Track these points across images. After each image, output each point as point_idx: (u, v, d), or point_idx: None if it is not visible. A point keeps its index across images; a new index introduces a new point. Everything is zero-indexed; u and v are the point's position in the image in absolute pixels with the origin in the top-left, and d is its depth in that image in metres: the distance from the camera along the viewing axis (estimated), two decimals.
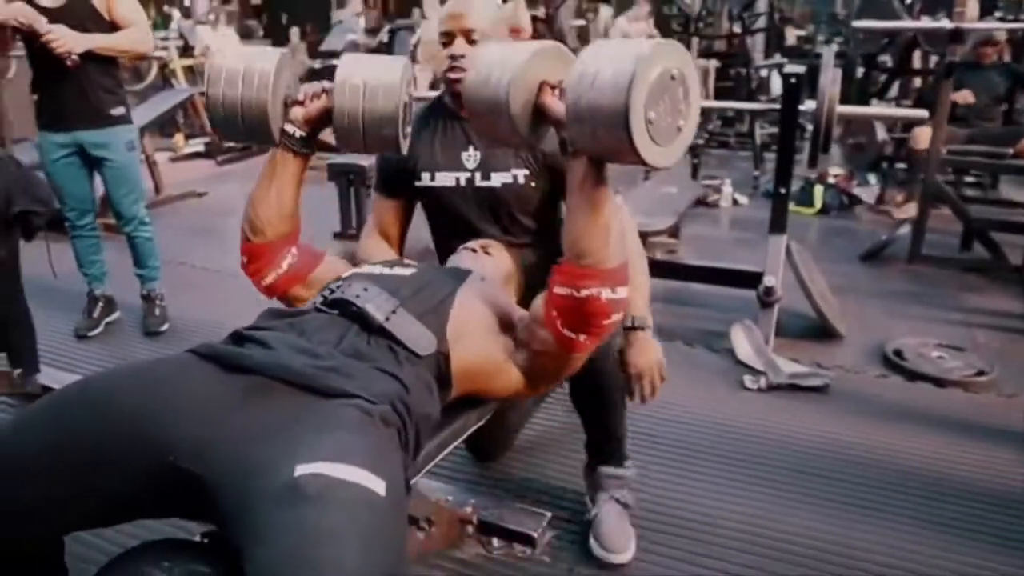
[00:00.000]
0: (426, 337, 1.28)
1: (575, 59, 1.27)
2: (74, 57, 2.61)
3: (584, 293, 1.24)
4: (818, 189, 4.93)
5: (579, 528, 1.83)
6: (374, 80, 1.40)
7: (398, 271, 1.47)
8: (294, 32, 12.36)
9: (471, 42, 1.68)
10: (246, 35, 10.88)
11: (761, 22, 6.19)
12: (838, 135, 5.48)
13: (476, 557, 1.75)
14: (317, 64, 10.59)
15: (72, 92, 2.73)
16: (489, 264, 1.64)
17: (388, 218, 1.88)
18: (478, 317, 1.38)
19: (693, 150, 5.50)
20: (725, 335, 2.87)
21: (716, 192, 5.11)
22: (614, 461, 1.80)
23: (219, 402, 1.07)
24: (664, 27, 7.36)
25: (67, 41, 2.58)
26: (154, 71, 7.20)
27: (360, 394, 1.09)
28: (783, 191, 2.86)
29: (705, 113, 6.31)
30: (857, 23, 4.53)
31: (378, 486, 0.93)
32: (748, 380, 2.61)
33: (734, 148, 6.52)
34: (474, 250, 1.67)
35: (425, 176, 1.79)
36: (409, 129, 1.51)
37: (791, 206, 4.82)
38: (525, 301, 1.60)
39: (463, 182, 1.76)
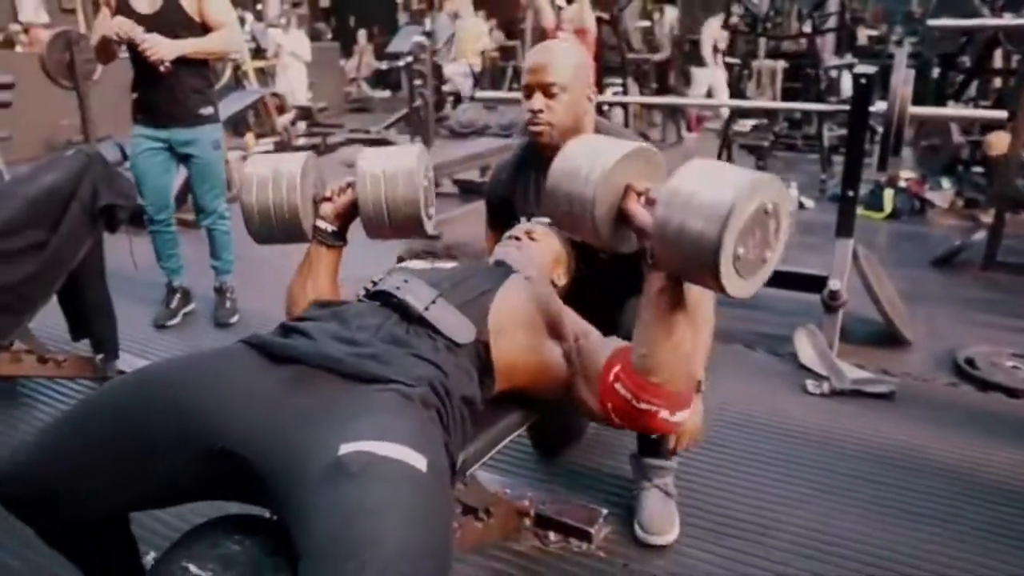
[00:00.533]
0: (465, 326, 1.30)
1: (662, 165, 1.27)
2: (167, 64, 2.76)
3: (642, 406, 1.22)
4: (888, 193, 4.79)
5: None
6: (392, 169, 1.46)
7: (439, 265, 1.51)
8: (361, 34, 12.64)
9: (550, 96, 1.71)
10: (315, 37, 11.15)
11: (831, 22, 6.04)
12: (911, 137, 5.33)
13: (532, 550, 1.78)
14: (384, 65, 10.82)
15: (164, 93, 2.88)
16: (535, 249, 1.64)
17: None
18: (520, 314, 1.38)
19: (758, 152, 5.43)
20: (788, 339, 2.83)
21: None
22: (661, 455, 1.83)
23: (266, 391, 1.12)
24: (731, 27, 7.25)
25: (160, 49, 2.73)
26: (228, 72, 7.44)
27: (398, 379, 1.13)
28: (851, 193, 2.79)
29: (772, 114, 6.20)
30: (933, 21, 4.37)
31: (419, 462, 0.96)
32: (811, 384, 2.56)
33: (801, 151, 6.39)
34: (518, 238, 1.67)
35: (522, 220, 1.86)
36: (432, 210, 1.56)
37: (860, 210, 4.72)
38: (577, 287, 1.65)
39: None
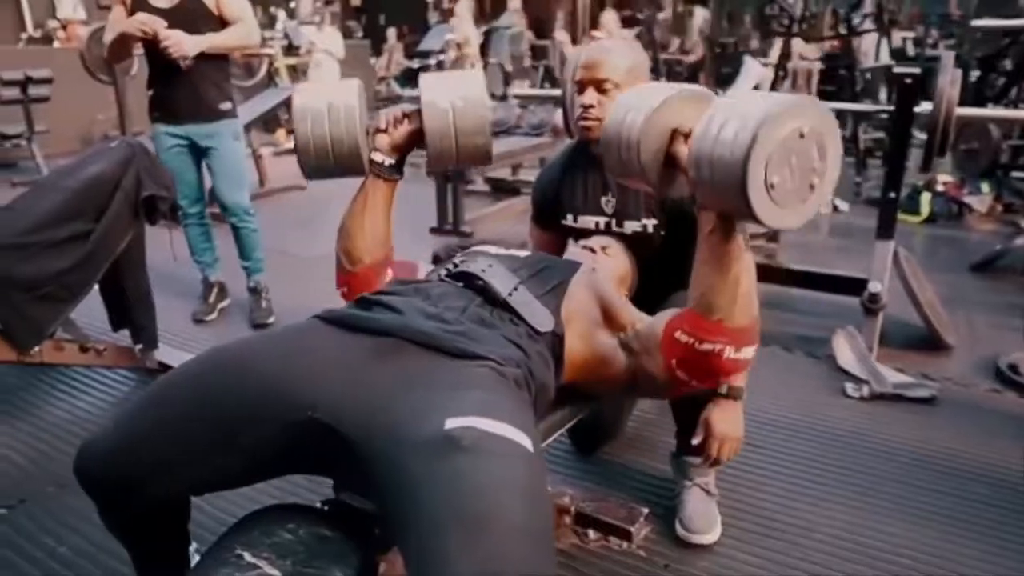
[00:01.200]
0: (545, 315, 1.31)
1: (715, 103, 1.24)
2: (188, 61, 2.75)
3: (705, 347, 1.21)
4: (925, 196, 4.72)
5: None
6: (461, 101, 1.44)
7: (515, 252, 1.51)
8: (390, 32, 12.68)
9: (603, 92, 1.72)
10: (346, 35, 11.22)
11: (867, 23, 5.94)
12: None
13: (572, 547, 1.76)
14: (416, 64, 10.83)
15: (183, 89, 2.86)
16: (608, 264, 1.65)
17: (543, 248, 1.94)
18: (586, 307, 1.40)
19: None
20: (825, 342, 2.79)
21: None
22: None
23: (354, 360, 1.11)
24: (764, 27, 7.19)
25: (182, 44, 2.71)
26: (264, 68, 7.49)
27: (491, 356, 1.12)
28: (892, 195, 2.76)
29: None
30: (977, 22, 4.29)
31: (526, 442, 0.96)
32: (850, 388, 2.53)
33: None
34: (593, 250, 1.69)
35: (569, 217, 1.88)
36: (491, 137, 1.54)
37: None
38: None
39: (602, 225, 1.84)
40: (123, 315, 2.59)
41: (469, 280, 1.33)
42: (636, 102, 1.26)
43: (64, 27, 8.45)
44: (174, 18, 2.74)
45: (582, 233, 1.86)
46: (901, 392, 2.48)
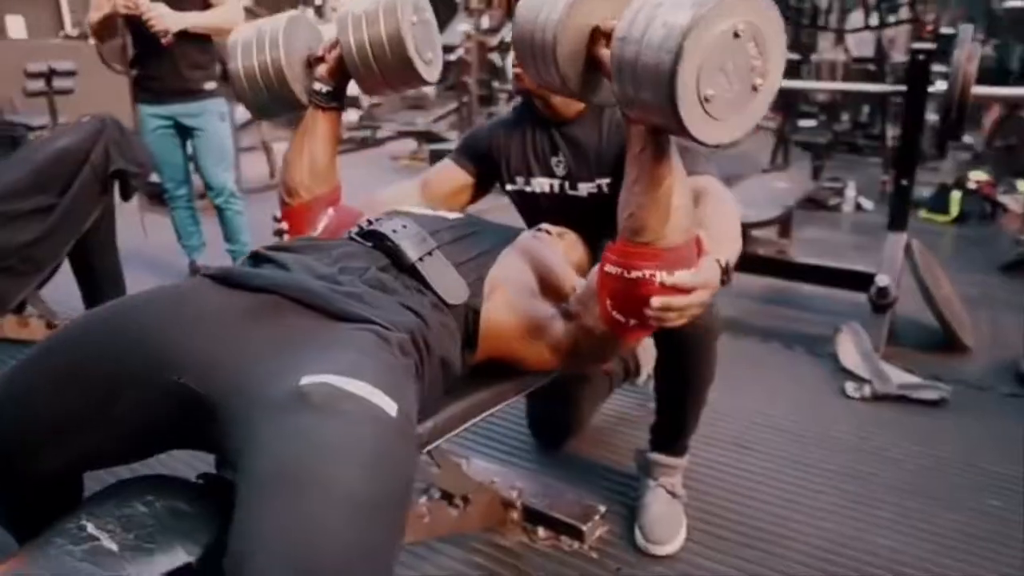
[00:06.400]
0: (458, 286, 1.19)
1: None
2: (169, 37, 2.74)
3: (634, 275, 1.06)
4: (955, 195, 4.46)
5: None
6: (373, 6, 1.33)
7: (443, 214, 1.40)
8: None
9: None
10: None
11: (903, 13, 5.63)
12: (986, 136, 4.99)
13: (518, 545, 1.63)
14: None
15: (167, 68, 2.87)
16: (560, 247, 1.51)
17: (445, 184, 1.71)
18: (519, 274, 1.27)
19: (816, 151, 5.14)
20: (829, 340, 2.61)
21: (837, 195, 4.73)
22: (673, 451, 1.68)
23: (228, 321, 1.02)
24: (790, 19, 6.93)
25: (163, 19, 2.71)
26: None
27: (377, 320, 1.02)
28: (904, 183, 2.56)
29: (831, 113, 5.89)
30: (1010, 3, 3.99)
31: (389, 406, 0.86)
32: (850, 387, 2.34)
33: (864, 153, 6.04)
34: (549, 232, 1.54)
35: (519, 179, 1.68)
36: (431, 55, 1.41)
37: (923, 213, 4.40)
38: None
39: (556, 188, 1.65)
40: (95, 293, 2.53)
41: (379, 240, 1.22)
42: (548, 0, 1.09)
43: None
44: None
45: (535, 199, 1.66)
46: (906, 393, 2.29)
